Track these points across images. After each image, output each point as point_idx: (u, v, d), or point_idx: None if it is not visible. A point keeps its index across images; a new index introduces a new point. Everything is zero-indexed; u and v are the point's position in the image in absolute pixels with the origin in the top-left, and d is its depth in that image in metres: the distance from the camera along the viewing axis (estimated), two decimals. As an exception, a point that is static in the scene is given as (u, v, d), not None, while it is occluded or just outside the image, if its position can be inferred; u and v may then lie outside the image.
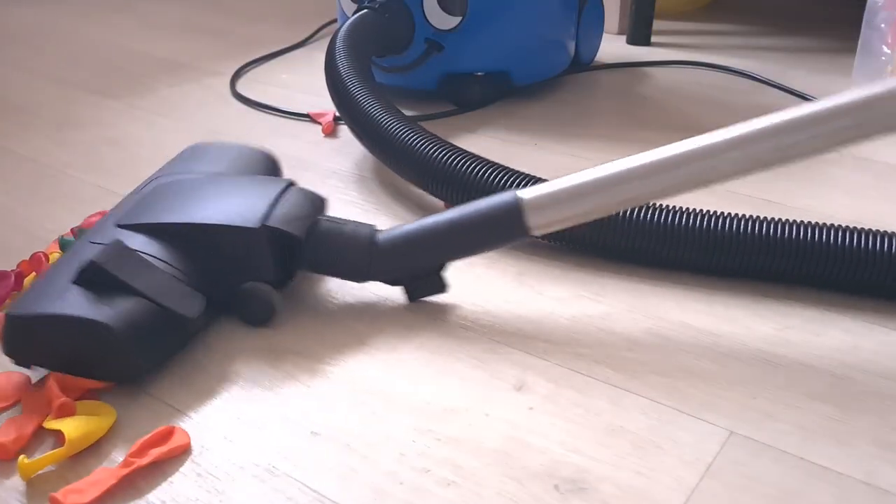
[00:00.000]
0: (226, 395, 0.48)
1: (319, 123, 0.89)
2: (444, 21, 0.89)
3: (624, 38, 1.23)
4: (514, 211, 0.51)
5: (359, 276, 0.55)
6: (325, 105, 0.90)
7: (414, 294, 0.56)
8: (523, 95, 0.97)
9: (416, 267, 0.54)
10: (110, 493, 0.40)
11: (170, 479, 0.42)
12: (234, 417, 0.46)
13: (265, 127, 0.90)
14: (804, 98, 0.95)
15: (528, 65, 0.95)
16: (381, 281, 0.55)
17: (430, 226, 0.53)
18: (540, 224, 0.51)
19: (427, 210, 0.69)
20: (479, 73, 0.92)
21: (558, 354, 0.51)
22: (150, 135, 0.88)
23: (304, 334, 0.53)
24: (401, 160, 0.68)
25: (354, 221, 0.55)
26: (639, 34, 1.20)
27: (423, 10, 0.89)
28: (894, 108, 0.39)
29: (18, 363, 0.48)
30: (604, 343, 0.52)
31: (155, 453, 0.42)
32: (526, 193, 0.51)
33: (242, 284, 0.53)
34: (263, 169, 0.64)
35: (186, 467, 0.42)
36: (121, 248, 0.49)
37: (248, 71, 1.09)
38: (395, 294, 0.57)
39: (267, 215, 0.53)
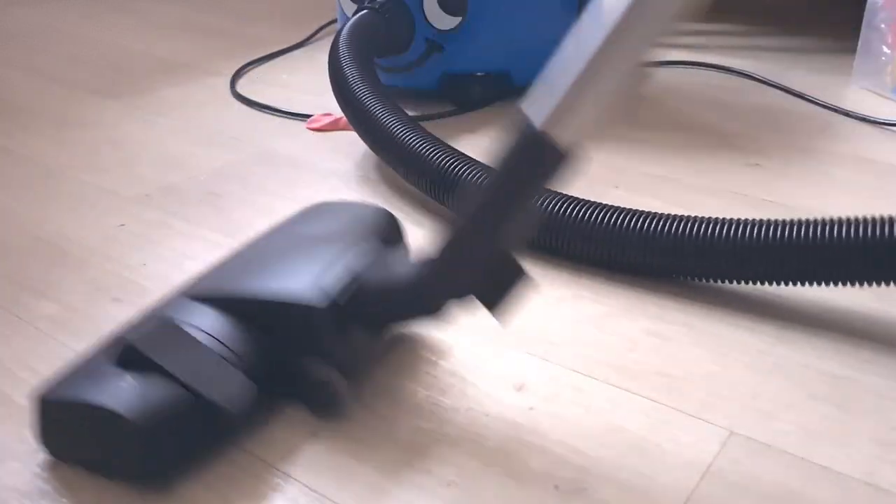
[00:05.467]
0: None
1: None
2: (444, 21, 0.89)
3: (624, 38, 1.22)
4: (538, 138, 0.43)
5: (420, 310, 0.46)
6: (324, 105, 0.90)
7: (494, 300, 0.45)
8: (523, 95, 0.97)
9: (477, 262, 0.44)
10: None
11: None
12: (235, 417, 0.46)
13: (265, 127, 0.90)
14: (804, 98, 0.95)
15: (529, 65, 0.94)
16: (448, 301, 0.45)
17: (466, 217, 0.44)
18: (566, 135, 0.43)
19: (429, 207, 0.69)
20: (480, 73, 0.92)
21: (558, 354, 0.51)
22: (151, 135, 0.88)
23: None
24: (407, 164, 0.69)
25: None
26: (639, 34, 1.20)
27: (423, 11, 0.89)
28: None
29: (53, 455, 0.42)
30: (604, 343, 0.52)
31: None
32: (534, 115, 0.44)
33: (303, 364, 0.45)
34: (379, 231, 0.53)
35: (186, 467, 0.42)
36: (165, 326, 0.43)
37: (248, 71, 1.09)
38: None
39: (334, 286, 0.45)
